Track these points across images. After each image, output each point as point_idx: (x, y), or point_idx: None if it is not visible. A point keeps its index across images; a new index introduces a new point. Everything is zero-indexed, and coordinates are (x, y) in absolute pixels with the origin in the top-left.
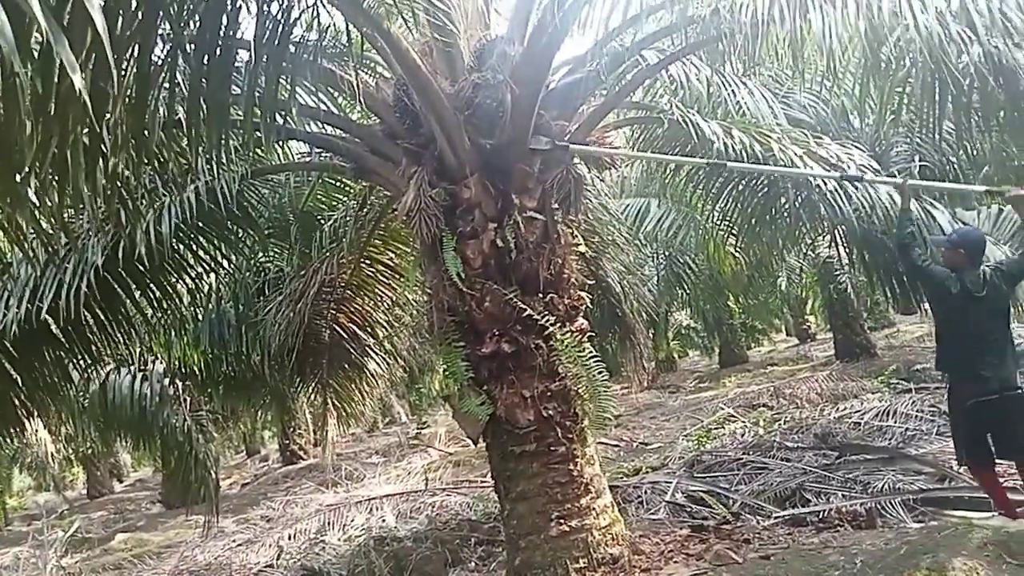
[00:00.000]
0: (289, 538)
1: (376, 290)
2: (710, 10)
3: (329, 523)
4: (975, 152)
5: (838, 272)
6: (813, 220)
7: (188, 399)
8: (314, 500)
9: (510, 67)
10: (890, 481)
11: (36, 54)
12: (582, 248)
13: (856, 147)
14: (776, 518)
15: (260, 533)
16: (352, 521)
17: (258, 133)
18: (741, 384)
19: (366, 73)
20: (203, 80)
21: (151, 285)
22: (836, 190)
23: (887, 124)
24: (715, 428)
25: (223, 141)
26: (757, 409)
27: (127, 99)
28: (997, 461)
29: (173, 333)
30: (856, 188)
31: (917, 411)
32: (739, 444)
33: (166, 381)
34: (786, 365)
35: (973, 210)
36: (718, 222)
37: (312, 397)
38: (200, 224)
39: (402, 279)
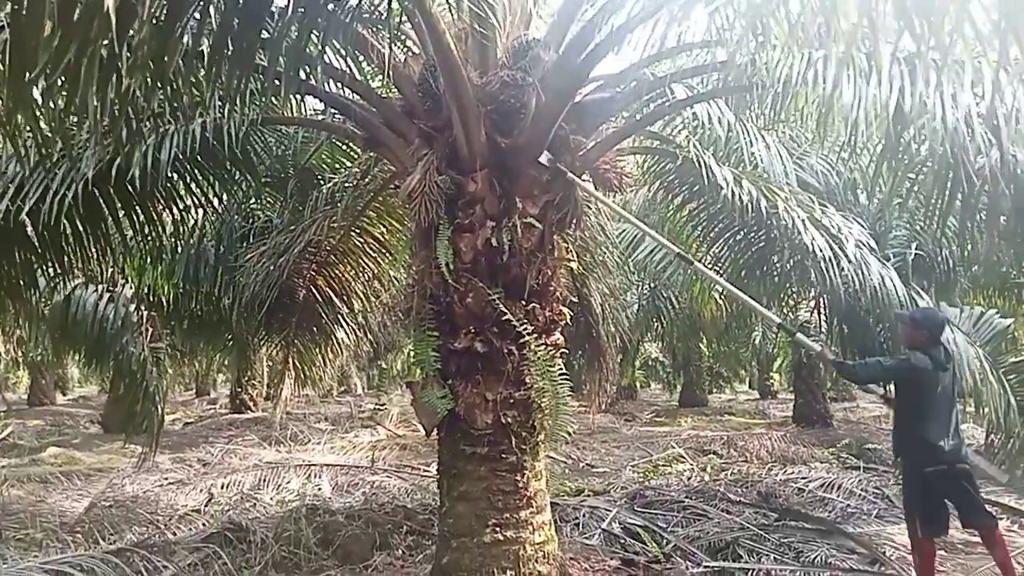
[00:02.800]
0: (222, 487)
1: (360, 261)
2: (747, 59)
3: (265, 481)
4: (969, 251)
5: (813, 336)
6: (801, 284)
7: (150, 329)
8: (254, 454)
9: (541, 72)
10: (823, 554)
11: None
12: (573, 264)
13: (857, 221)
14: (705, 567)
15: (194, 476)
16: (288, 483)
17: (278, 82)
18: (696, 426)
19: (397, 46)
20: (235, 19)
21: (137, 208)
22: (831, 260)
23: (892, 206)
24: (663, 465)
25: (241, 83)
26: (707, 455)
27: (155, 21)
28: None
29: (148, 260)
30: (851, 262)
31: (862, 489)
32: (683, 486)
33: (131, 307)
34: (743, 417)
35: (956, 307)
36: (709, 266)
37: (274, 352)
38: (199, 159)
39: (388, 256)
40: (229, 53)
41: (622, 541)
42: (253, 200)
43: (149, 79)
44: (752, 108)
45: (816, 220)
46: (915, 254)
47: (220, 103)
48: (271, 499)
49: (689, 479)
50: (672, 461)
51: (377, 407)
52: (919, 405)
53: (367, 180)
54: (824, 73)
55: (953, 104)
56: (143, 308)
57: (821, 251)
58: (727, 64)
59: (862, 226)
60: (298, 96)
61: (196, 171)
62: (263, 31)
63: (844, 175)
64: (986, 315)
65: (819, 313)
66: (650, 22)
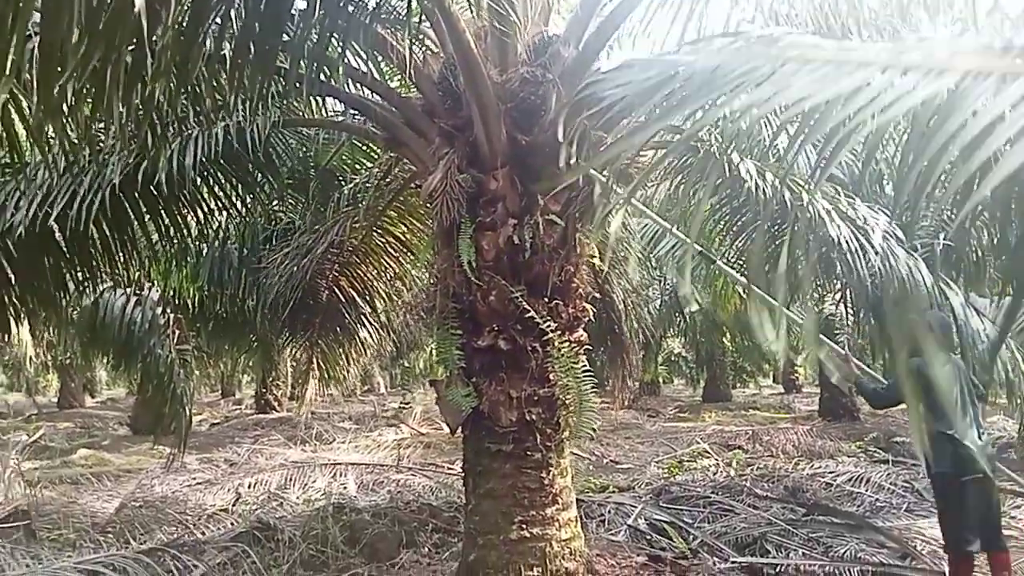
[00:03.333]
0: (249, 487)
1: (382, 261)
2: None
3: (291, 480)
4: (996, 241)
5: (839, 332)
6: (827, 276)
7: (176, 332)
8: (280, 454)
9: (561, 68)
10: (853, 549)
11: None
12: (595, 260)
13: (885, 213)
14: (733, 563)
15: (221, 476)
16: (314, 482)
17: (299, 85)
18: (721, 421)
19: (416, 46)
20: (256, 23)
21: (162, 213)
22: (856, 252)
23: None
24: (688, 461)
25: (263, 86)
26: (732, 450)
27: (178, 27)
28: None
29: (174, 264)
30: (877, 253)
31: (891, 483)
32: (709, 482)
33: (158, 310)
34: (768, 411)
35: (986, 297)
36: (732, 260)
37: (298, 353)
38: (223, 162)
39: (410, 255)
40: (251, 57)
41: (648, 537)
42: (276, 202)
43: (173, 84)
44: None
45: (842, 211)
46: (944, 244)
47: (242, 106)
48: (297, 498)
49: (714, 474)
50: (697, 456)
51: (401, 406)
52: (939, 408)
53: (388, 180)
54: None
55: None
56: (169, 311)
57: (847, 242)
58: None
59: (888, 216)
60: (319, 98)
61: (219, 174)
62: (284, 34)
63: (870, 167)
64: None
65: (845, 306)
66: (669, 15)
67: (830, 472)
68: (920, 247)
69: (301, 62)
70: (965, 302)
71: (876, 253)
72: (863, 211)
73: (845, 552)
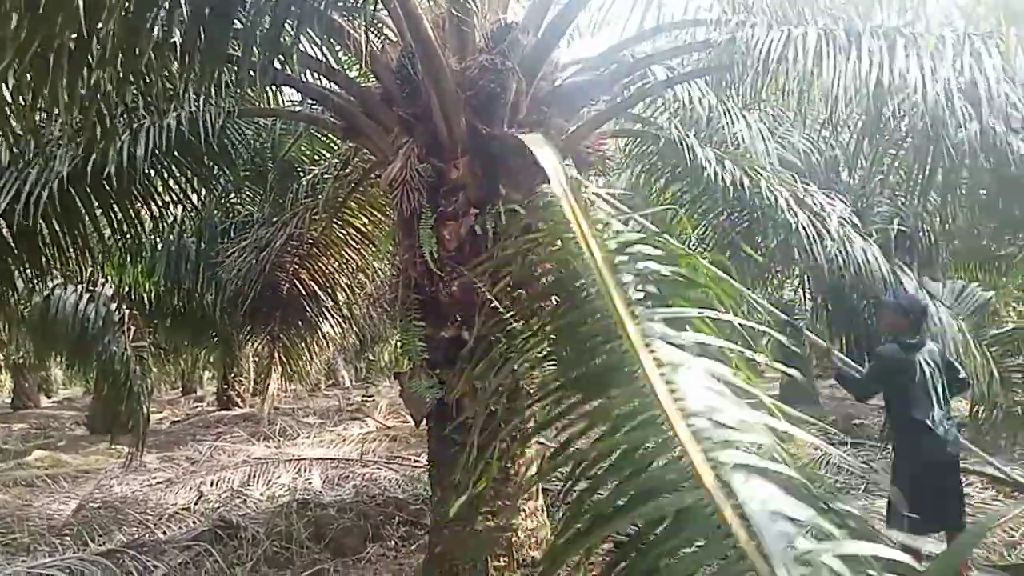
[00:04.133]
0: (211, 485)
1: (343, 253)
2: (726, 38)
3: (254, 476)
4: (949, 225)
5: (798, 316)
6: (786, 262)
7: (132, 328)
8: (243, 450)
9: (520, 55)
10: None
11: None
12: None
13: (840, 199)
14: None
15: (182, 474)
16: (278, 479)
17: (252, 73)
18: None
19: (374, 33)
20: (206, 8)
21: (114, 206)
22: (814, 237)
23: (874, 183)
24: None
25: (215, 75)
26: None
27: (124, 12)
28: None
29: (128, 258)
30: (834, 240)
31: (848, 465)
32: None
33: (112, 306)
34: None
35: (938, 281)
36: (693, 247)
37: (259, 348)
38: (176, 154)
39: (372, 247)
40: (201, 44)
41: None
42: (233, 194)
43: (120, 72)
44: (733, 87)
45: (799, 198)
46: (897, 229)
47: (195, 96)
48: (261, 495)
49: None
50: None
51: (364, 399)
52: (907, 398)
53: (347, 170)
54: (804, 49)
55: (933, 78)
56: (124, 307)
57: (805, 229)
58: (707, 44)
59: (845, 203)
60: (275, 87)
61: (173, 166)
62: (235, 20)
63: (826, 153)
64: (968, 288)
65: (803, 291)
66: (628, 3)
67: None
68: (875, 233)
69: (254, 49)
70: (919, 286)
71: (833, 239)
72: (820, 197)
73: None
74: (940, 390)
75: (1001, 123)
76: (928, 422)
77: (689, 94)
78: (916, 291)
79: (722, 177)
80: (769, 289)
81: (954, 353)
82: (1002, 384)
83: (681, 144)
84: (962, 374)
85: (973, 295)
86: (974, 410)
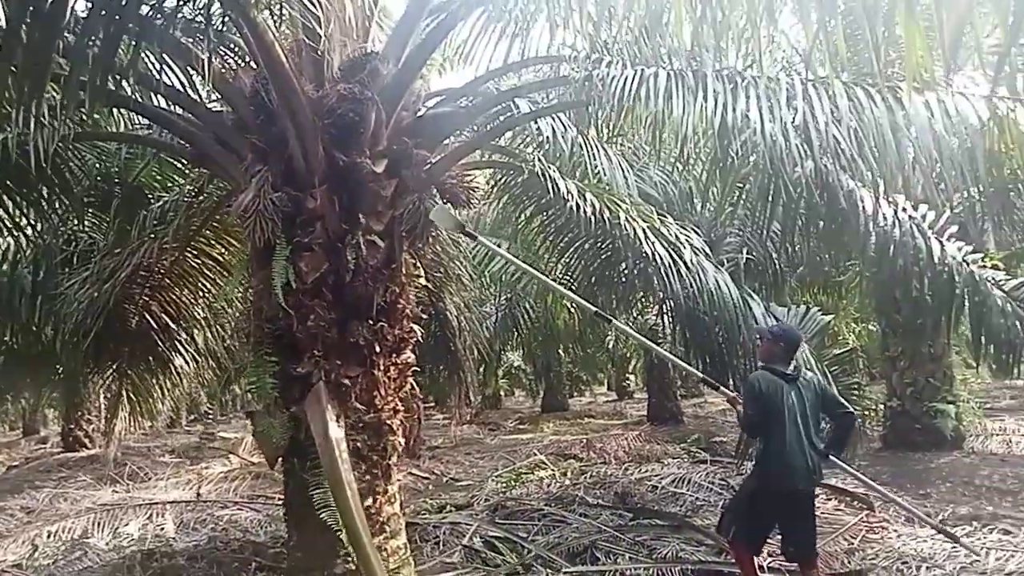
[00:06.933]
0: (48, 536)
1: (199, 283)
2: (584, 75)
3: (99, 525)
4: (794, 253)
5: (660, 340)
6: (646, 290)
7: None
8: (88, 496)
9: (380, 85)
10: (674, 549)
11: None
12: (422, 280)
13: (695, 230)
14: (565, 572)
15: (16, 526)
16: (126, 527)
17: (83, 93)
18: (558, 431)
19: (225, 57)
20: (26, 21)
21: None
22: (670, 266)
23: (725, 215)
24: (525, 473)
25: (39, 95)
26: (568, 459)
27: None
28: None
29: None
30: (689, 269)
31: (709, 482)
32: (544, 493)
33: None
34: (602, 419)
35: (785, 306)
36: (560, 276)
37: (107, 384)
38: (6, 181)
39: (229, 277)
40: (18, 62)
41: (483, 555)
42: (75, 221)
43: None
44: (592, 122)
45: (656, 229)
46: (747, 258)
47: (26, 117)
48: (106, 545)
49: (549, 486)
50: (534, 468)
51: (202, 438)
52: (768, 422)
53: (201, 198)
54: (655, 89)
55: (771, 117)
56: None
57: (661, 259)
58: (567, 79)
59: (698, 233)
60: (119, 111)
61: (1, 193)
62: (61, 36)
63: (680, 185)
64: (810, 312)
65: (663, 316)
66: (492, 37)
67: (656, 475)
68: (727, 261)
69: (85, 67)
70: (766, 311)
71: (688, 268)
72: (675, 228)
73: (667, 553)
74: (810, 421)
75: (831, 161)
76: (786, 450)
77: (553, 128)
78: (780, 323)
79: (584, 209)
80: (634, 314)
81: None
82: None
83: (545, 176)
84: (848, 409)
85: (815, 318)
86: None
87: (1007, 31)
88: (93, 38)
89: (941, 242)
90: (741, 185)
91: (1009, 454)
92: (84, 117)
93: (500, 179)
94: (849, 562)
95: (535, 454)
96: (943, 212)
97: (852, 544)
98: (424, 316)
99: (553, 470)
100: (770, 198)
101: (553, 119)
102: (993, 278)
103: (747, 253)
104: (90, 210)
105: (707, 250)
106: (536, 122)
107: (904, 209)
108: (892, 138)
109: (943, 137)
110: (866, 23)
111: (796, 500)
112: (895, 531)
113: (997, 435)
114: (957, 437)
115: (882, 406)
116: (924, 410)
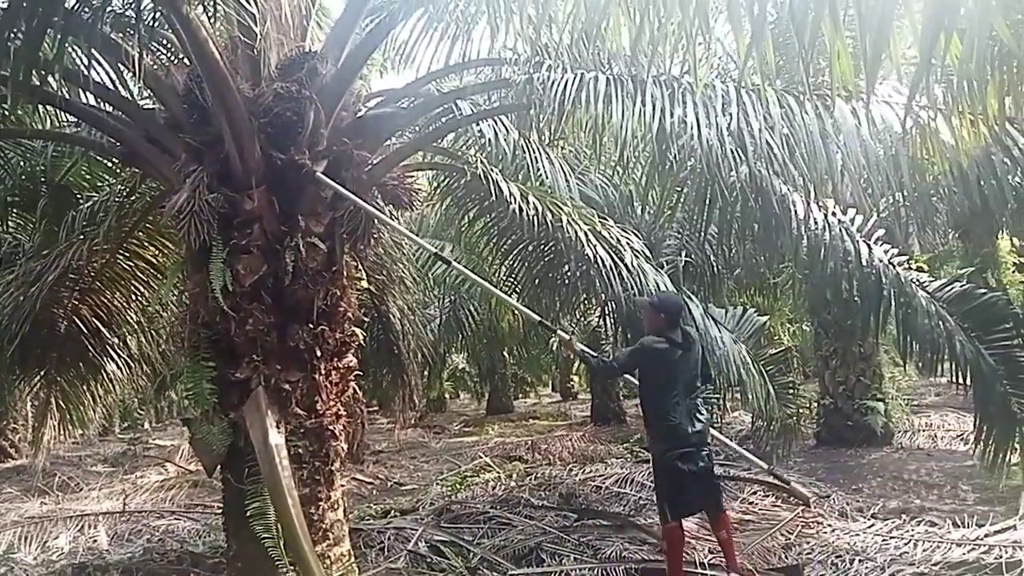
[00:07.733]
0: None
1: (131, 286)
2: (524, 78)
3: (26, 539)
4: (731, 256)
5: (603, 342)
6: (589, 292)
7: None
8: (14, 509)
9: (319, 85)
10: (618, 549)
11: None
12: (364, 283)
13: (635, 234)
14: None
15: None
16: (55, 540)
17: (5, 88)
18: (503, 433)
19: (157, 53)
20: None
21: None
22: (611, 269)
23: (664, 218)
24: (471, 476)
25: None
26: (513, 461)
27: None
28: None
29: None
30: (630, 271)
31: (651, 482)
32: (489, 496)
33: None
34: (547, 420)
35: (722, 307)
36: (504, 279)
37: (34, 391)
38: None
39: (164, 280)
40: None
41: (428, 560)
42: None
43: None
44: (534, 125)
45: (598, 232)
46: (685, 261)
47: None
48: (34, 560)
49: (494, 488)
50: (479, 471)
51: (128, 447)
52: (659, 388)
53: (133, 198)
54: (595, 93)
55: (708, 122)
56: None
57: (603, 261)
58: (508, 82)
59: (638, 236)
60: (44, 105)
61: None
62: None
63: (621, 189)
64: (747, 314)
65: (604, 318)
66: (433, 38)
67: (600, 475)
68: (666, 264)
69: (5, 62)
70: (704, 312)
71: (629, 271)
72: (616, 232)
73: (611, 553)
74: (694, 385)
75: (764, 166)
76: (673, 413)
77: (495, 131)
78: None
79: (527, 211)
80: (576, 316)
81: (736, 373)
82: (777, 399)
83: (487, 179)
84: (708, 369)
85: (751, 319)
86: (754, 424)
87: (921, 45)
88: (15, 31)
89: (869, 245)
90: (679, 189)
91: (935, 449)
92: (7, 114)
93: (443, 181)
94: (786, 557)
95: (480, 457)
96: (870, 216)
97: (789, 539)
98: (366, 319)
99: (498, 472)
100: (707, 202)
101: (495, 122)
102: (918, 280)
103: (686, 256)
104: (14, 211)
105: (647, 253)
106: (478, 124)
107: (834, 213)
108: (822, 144)
109: (870, 144)
110: (794, 34)
111: (689, 457)
112: (830, 526)
113: (923, 431)
114: (887, 433)
115: (816, 404)
116: (855, 407)
